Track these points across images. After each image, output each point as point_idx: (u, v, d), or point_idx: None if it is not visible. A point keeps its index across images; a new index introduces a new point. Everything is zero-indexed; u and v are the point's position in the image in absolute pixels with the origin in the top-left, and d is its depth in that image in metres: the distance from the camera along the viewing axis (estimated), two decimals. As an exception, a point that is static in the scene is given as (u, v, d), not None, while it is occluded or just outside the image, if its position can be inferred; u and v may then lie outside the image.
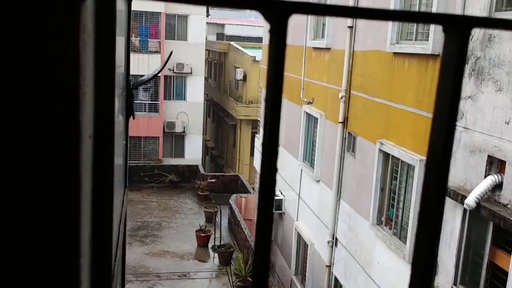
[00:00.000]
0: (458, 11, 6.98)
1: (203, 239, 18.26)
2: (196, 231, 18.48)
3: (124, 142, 1.82)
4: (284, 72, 0.40)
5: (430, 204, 0.46)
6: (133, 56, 25.42)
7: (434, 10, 7.52)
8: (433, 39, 7.48)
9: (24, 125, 0.50)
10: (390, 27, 8.79)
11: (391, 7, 8.76)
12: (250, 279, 14.75)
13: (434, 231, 0.46)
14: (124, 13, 1.71)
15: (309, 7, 0.38)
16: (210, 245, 18.31)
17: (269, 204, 0.41)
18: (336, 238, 11.21)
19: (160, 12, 25.99)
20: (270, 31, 0.38)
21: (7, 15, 0.47)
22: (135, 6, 26.36)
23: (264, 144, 0.40)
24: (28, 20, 0.47)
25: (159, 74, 25.91)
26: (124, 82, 1.71)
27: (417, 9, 8.29)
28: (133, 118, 1.86)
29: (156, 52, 26.15)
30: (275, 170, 0.41)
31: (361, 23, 10.19)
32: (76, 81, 0.50)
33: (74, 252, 0.53)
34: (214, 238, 18.16)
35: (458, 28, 0.43)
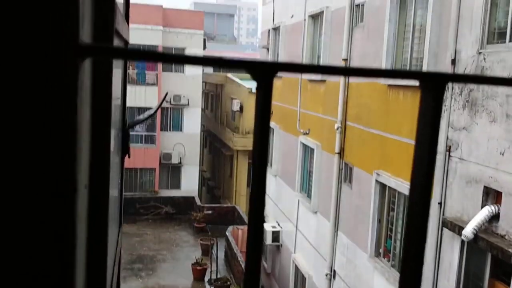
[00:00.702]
0: (450, 44, 7.10)
1: (199, 273, 18.00)
2: (192, 264, 18.24)
3: (119, 181, 1.82)
4: (269, 123, 0.41)
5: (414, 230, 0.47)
6: (130, 88, 25.60)
7: (427, 43, 7.65)
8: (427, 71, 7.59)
9: (20, 179, 0.51)
10: (384, 59, 8.93)
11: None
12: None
13: (419, 255, 0.47)
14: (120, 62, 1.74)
15: (291, 66, 0.40)
16: (206, 278, 18.04)
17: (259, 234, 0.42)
18: (334, 271, 11.09)
19: (158, 45, 26.33)
20: (257, 88, 0.39)
21: (10, 72, 0.48)
22: (132, 39, 26.70)
23: (251, 198, 0.41)
24: (28, 76, 0.49)
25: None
26: (120, 122, 1.73)
27: (409, 44, 8.44)
28: (129, 157, 1.87)
29: (153, 84, 26.37)
30: (262, 221, 0.41)
31: (356, 56, 10.34)
32: (73, 137, 0.52)
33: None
34: (211, 271, 17.91)
35: (433, 84, 0.46)
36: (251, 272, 0.42)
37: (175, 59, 0.37)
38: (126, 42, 1.78)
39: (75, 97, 0.51)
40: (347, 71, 0.45)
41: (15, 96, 0.49)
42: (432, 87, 0.47)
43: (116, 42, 1.23)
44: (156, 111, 3.31)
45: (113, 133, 1.38)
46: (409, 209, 0.50)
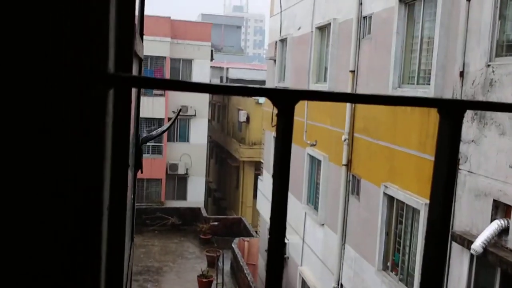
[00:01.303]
0: (458, 57, 7.08)
1: (205, 285, 17.91)
2: (197, 276, 18.16)
3: (132, 196, 1.82)
4: (291, 149, 0.40)
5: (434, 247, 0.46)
6: (137, 99, 25.73)
7: (435, 55, 7.64)
8: (435, 83, 7.57)
9: (56, 206, 0.52)
10: (392, 70, 8.92)
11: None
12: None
13: (440, 272, 0.46)
14: (136, 73, 1.74)
15: (313, 94, 0.39)
16: (212, 290, 17.94)
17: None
18: (341, 284, 10.98)
19: (165, 57, 26.50)
20: (278, 115, 0.38)
21: (46, 101, 0.50)
22: (140, 51, 26.87)
23: (272, 221, 0.39)
24: (62, 106, 0.50)
25: (163, 117, 26.16)
26: (134, 139, 1.73)
27: (417, 56, 8.43)
28: (141, 172, 1.87)
29: (161, 95, 26.49)
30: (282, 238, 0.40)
31: (363, 68, 10.34)
32: (101, 159, 0.53)
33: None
34: (216, 283, 17.81)
35: (451, 111, 0.45)
36: None
37: (196, 87, 0.36)
38: (140, 60, 1.79)
39: (104, 125, 0.51)
40: (366, 98, 0.44)
41: (49, 124, 0.51)
42: (450, 115, 0.46)
43: (134, 63, 1.24)
44: (169, 127, 3.32)
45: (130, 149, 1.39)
46: (427, 240, 0.49)
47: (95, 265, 0.55)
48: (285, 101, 0.37)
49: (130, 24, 0.86)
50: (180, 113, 27.17)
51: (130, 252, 1.70)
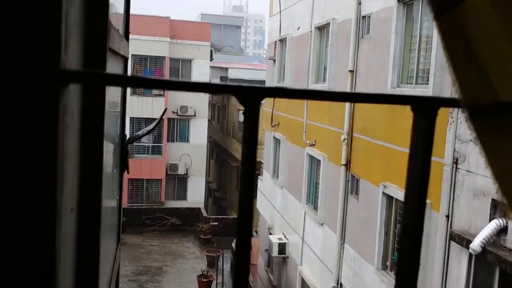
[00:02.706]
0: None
1: (205, 285, 17.92)
2: (197, 276, 18.17)
3: (118, 196, 1.81)
4: (256, 148, 0.41)
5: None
6: (137, 99, 25.79)
7: (433, 55, 7.64)
8: (433, 83, 7.57)
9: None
10: (390, 70, 8.92)
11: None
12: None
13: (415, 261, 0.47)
14: (120, 72, 1.74)
15: (278, 91, 0.39)
16: (212, 290, 17.96)
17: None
18: (341, 284, 10.99)
19: (165, 57, 26.50)
20: (244, 113, 0.38)
21: None
22: (140, 51, 26.75)
23: (239, 221, 0.40)
24: (8, 102, 0.49)
25: (163, 118, 26.15)
26: (119, 138, 1.73)
27: (416, 55, 8.43)
28: (128, 172, 1.86)
29: (160, 95, 26.49)
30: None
31: (362, 67, 10.34)
32: (53, 161, 0.52)
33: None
34: (216, 283, 17.82)
35: (425, 109, 0.46)
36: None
37: (158, 84, 0.36)
38: (125, 59, 1.78)
39: (56, 123, 0.50)
40: (336, 96, 0.44)
41: None
42: (424, 112, 0.46)
43: (112, 60, 1.23)
44: (155, 127, 3.32)
45: (110, 149, 1.37)
46: (401, 236, 0.49)
47: (48, 267, 0.54)
48: (251, 98, 0.37)
49: (103, 21, 0.85)
50: (180, 113, 27.18)
51: (115, 254, 1.70)
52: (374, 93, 0.46)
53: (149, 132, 3.42)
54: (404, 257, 0.48)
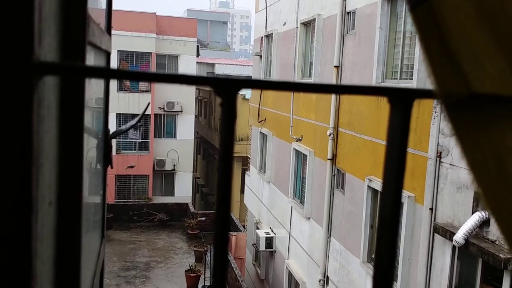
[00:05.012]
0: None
1: (192, 280, 17.94)
2: (185, 271, 18.18)
3: (102, 192, 1.83)
4: (234, 140, 0.43)
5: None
6: (124, 95, 25.62)
7: (417, 51, 7.73)
8: (417, 78, 7.66)
9: None
10: (375, 65, 9.00)
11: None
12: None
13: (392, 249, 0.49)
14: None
15: (254, 83, 0.42)
16: (200, 285, 17.98)
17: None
18: (327, 276, 11.09)
19: (151, 52, 26.35)
20: (221, 105, 0.42)
21: None
22: (126, 47, 26.49)
23: (217, 215, 0.43)
24: None
25: (150, 113, 26.03)
26: (102, 133, 1.74)
27: (400, 51, 8.52)
28: (111, 167, 1.88)
29: (147, 91, 26.35)
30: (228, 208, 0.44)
31: (347, 63, 10.41)
32: (28, 155, 0.52)
33: None
34: (204, 278, 17.85)
35: (401, 100, 0.47)
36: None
37: (135, 75, 0.39)
38: (107, 53, 1.79)
39: (30, 115, 0.50)
40: (314, 88, 0.47)
41: None
42: (401, 104, 0.48)
43: (93, 54, 1.25)
44: (138, 121, 3.33)
45: (93, 143, 1.38)
46: (380, 227, 0.51)
47: (23, 263, 0.53)
48: (227, 89, 0.40)
49: (81, 13, 0.84)
50: (167, 109, 27.05)
51: (99, 250, 1.71)
52: (352, 84, 0.49)
53: (132, 126, 3.42)
54: (381, 246, 0.50)
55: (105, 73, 0.39)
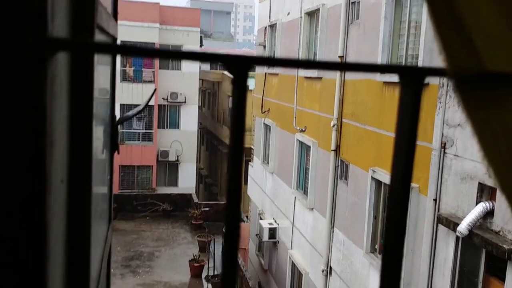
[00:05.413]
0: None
1: (196, 269, 18.04)
2: (189, 261, 18.27)
3: (109, 176, 1.83)
4: (245, 117, 0.43)
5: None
6: (127, 86, 25.62)
7: (422, 40, 7.68)
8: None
9: None
10: (380, 55, 8.95)
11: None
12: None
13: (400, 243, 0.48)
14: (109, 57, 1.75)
15: (265, 60, 0.42)
16: (203, 275, 18.08)
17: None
18: (331, 267, 11.13)
19: (154, 43, 26.29)
20: (232, 82, 0.41)
21: None
22: (129, 37, 26.55)
23: (228, 188, 0.43)
24: None
25: (153, 104, 26.04)
26: (109, 117, 1.74)
27: (405, 40, 8.47)
28: (118, 153, 1.89)
29: (150, 81, 26.33)
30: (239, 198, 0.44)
31: (352, 53, 10.36)
32: (41, 131, 0.52)
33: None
34: (208, 268, 17.95)
35: (412, 78, 0.46)
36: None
37: (145, 52, 0.39)
38: (114, 39, 1.79)
39: (44, 90, 0.51)
40: (323, 65, 0.47)
41: None
42: (412, 82, 0.47)
43: (100, 38, 1.24)
44: (144, 107, 3.33)
45: (100, 128, 1.38)
46: (390, 203, 0.50)
47: (38, 235, 0.54)
48: (239, 66, 0.40)
49: None
50: (171, 100, 27.04)
51: (107, 234, 1.72)
52: (363, 62, 0.48)
53: (139, 112, 3.43)
54: (390, 229, 0.49)
55: (115, 49, 0.39)
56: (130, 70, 26.15)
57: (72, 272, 0.76)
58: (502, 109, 0.46)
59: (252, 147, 18.39)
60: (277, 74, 15.17)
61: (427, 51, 7.56)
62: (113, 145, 1.77)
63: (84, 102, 0.77)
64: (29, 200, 0.53)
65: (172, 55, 0.39)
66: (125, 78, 25.84)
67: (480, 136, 0.49)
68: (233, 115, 0.42)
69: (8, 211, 0.53)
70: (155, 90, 4.32)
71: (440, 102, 7.22)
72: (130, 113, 3.24)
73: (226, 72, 30.70)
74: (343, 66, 0.50)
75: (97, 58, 1.06)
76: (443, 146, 7.16)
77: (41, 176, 0.53)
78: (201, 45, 28.48)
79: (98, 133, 1.33)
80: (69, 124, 0.71)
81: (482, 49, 0.45)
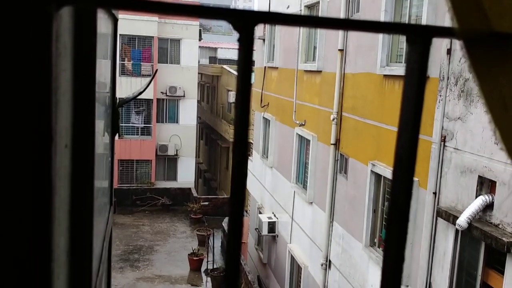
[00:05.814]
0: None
1: (196, 263, 18.07)
2: (188, 254, 18.30)
3: (110, 159, 1.82)
4: (251, 77, 0.42)
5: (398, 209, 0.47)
6: (126, 80, 25.56)
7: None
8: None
9: None
10: (380, 49, 8.93)
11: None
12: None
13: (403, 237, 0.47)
14: (110, 34, 1.74)
15: (273, 17, 0.40)
16: (203, 268, 18.12)
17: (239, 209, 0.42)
18: (330, 261, 11.15)
19: (153, 36, 26.21)
20: (238, 40, 0.39)
21: None
22: (128, 31, 26.45)
23: (235, 147, 0.41)
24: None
25: (152, 98, 25.99)
26: (110, 100, 1.73)
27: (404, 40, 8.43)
28: (119, 136, 1.87)
29: (149, 75, 26.26)
30: (244, 175, 0.42)
31: (352, 46, 10.33)
32: (47, 88, 0.52)
33: (45, 256, 0.53)
34: (207, 261, 17.98)
35: (419, 37, 0.46)
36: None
37: (148, 5, 0.37)
38: (115, 20, 1.77)
39: (49, 44, 0.50)
40: (330, 22, 0.45)
41: None
42: (419, 40, 0.47)
43: (102, 16, 1.23)
44: (145, 89, 3.31)
45: (102, 109, 1.37)
46: (393, 184, 0.49)
47: (43, 197, 0.54)
48: (245, 22, 0.38)
49: None
50: (169, 94, 26.99)
51: (108, 215, 1.72)
52: (369, 20, 0.47)
53: (140, 93, 3.42)
54: (394, 206, 0.48)
55: (120, 2, 0.37)
56: (128, 64, 26.09)
57: (76, 233, 0.75)
58: (509, 69, 0.46)
59: (251, 141, 18.38)
60: (277, 68, 15.14)
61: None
62: (114, 127, 1.76)
63: (88, 63, 0.76)
64: (35, 159, 0.53)
65: (175, 9, 0.37)
66: (123, 72, 25.78)
67: (487, 96, 0.48)
68: (239, 75, 0.41)
69: (15, 171, 0.52)
70: (156, 70, 4.31)
71: (440, 95, 7.20)
72: (131, 95, 3.23)
73: (225, 66, 30.58)
74: (348, 23, 0.48)
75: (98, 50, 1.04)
76: (443, 140, 7.15)
77: (47, 134, 0.53)
78: (200, 39, 28.40)
79: (100, 115, 1.31)
80: (73, 87, 0.70)
81: (490, 9, 0.44)
